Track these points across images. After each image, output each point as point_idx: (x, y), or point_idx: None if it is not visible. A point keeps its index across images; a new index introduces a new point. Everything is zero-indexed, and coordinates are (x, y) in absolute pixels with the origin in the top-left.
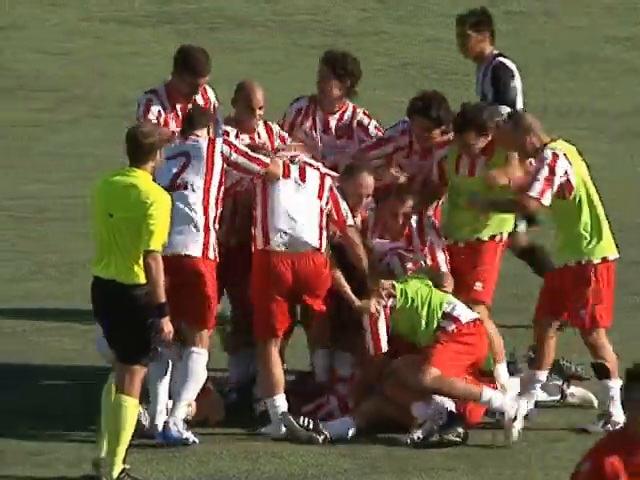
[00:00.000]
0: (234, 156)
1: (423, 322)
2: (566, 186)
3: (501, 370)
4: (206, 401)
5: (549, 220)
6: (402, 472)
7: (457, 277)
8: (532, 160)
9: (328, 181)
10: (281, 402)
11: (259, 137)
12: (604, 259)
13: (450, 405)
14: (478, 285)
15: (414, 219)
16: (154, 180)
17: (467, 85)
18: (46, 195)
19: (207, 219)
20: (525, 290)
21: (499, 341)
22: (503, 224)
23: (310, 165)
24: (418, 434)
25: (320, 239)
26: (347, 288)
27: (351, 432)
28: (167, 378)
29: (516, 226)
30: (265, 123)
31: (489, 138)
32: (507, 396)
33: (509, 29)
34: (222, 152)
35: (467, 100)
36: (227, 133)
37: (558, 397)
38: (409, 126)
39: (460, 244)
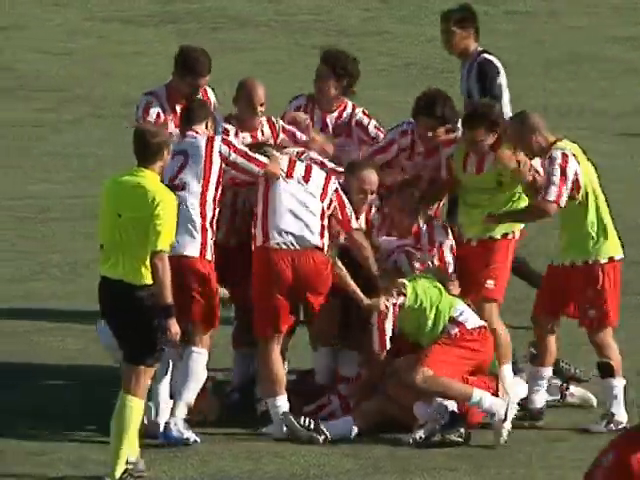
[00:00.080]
0: (233, 156)
1: (430, 323)
2: (575, 186)
3: (506, 371)
4: (203, 401)
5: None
6: (404, 472)
7: (469, 275)
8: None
9: (333, 184)
10: (282, 402)
11: (262, 134)
12: (611, 259)
13: (452, 405)
14: (490, 283)
15: (422, 217)
16: (161, 180)
17: None
18: (48, 195)
19: (204, 219)
20: (523, 293)
21: (507, 342)
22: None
23: (318, 163)
24: (420, 434)
25: (321, 238)
26: (355, 287)
27: (354, 432)
28: (168, 377)
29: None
30: (268, 119)
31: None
32: (506, 398)
33: (512, 29)
34: (220, 152)
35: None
36: (227, 131)
37: (558, 397)
38: (411, 127)
39: (473, 242)
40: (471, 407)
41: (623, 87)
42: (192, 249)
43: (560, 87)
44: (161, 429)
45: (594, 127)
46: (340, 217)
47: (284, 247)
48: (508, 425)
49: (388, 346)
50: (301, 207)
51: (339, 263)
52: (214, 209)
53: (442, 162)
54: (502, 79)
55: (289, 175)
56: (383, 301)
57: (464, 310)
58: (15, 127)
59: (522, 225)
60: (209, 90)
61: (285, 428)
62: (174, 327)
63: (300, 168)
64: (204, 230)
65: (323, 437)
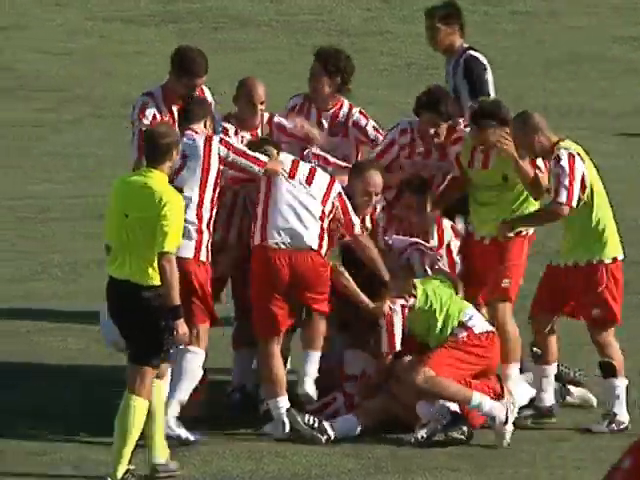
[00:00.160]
0: (232, 156)
1: (439, 326)
2: (582, 186)
3: (510, 370)
4: (194, 401)
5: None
6: (406, 472)
7: (483, 274)
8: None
9: (336, 188)
10: (283, 402)
11: (262, 133)
12: (614, 259)
13: (453, 406)
14: (505, 282)
15: (432, 218)
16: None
17: None
18: (48, 195)
19: (201, 221)
20: (525, 289)
21: (517, 342)
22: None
23: (321, 157)
24: (422, 433)
25: (320, 241)
26: (361, 294)
27: (357, 430)
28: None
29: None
30: (270, 118)
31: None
32: (507, 400)
33: (512, 29)
34: (219, 154)
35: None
36: (226, 131)
37: (560, 400)
38: (411, 125)
39: (486, 241)
40: (471, 410)
41: (623, 87)
42: (187, 251)
43: (560, 87)
44: None
45: (594, 127)
46: (344, 220)
47: (282, 246)
48: (510, 427)
49: (398, 348)
50: (301, 208)
51: (346, 274)
52: (211, 211)
53: (452, 160)
54: (488, 76)
55: (291, 176)
56: (388, 305)
57: (473, 315)
58: (15, 127)
59: None
60: (206, 90)
61: (287, 426)
62: (182, 328)
63: (304, 170)
64: (200, 232)
65: (326, 437)
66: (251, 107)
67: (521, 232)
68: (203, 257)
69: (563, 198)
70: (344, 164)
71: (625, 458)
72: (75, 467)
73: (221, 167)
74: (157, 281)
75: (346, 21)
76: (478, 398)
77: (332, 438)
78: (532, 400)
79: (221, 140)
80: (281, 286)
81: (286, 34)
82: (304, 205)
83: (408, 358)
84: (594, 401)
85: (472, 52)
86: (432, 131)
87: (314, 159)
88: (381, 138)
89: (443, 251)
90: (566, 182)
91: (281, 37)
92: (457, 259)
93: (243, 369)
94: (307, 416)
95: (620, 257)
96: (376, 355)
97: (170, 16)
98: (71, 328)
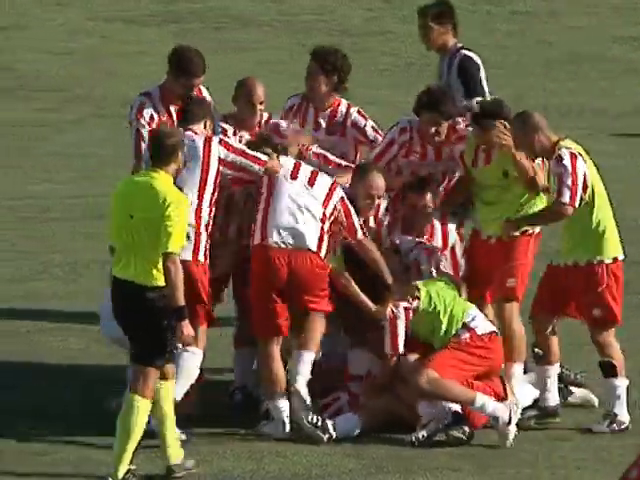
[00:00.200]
0: (231, 157)
1: (443, 327)
2: (583, 185)
3: (514, 369)
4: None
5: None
6: (407, 472)
7: (489, 273)
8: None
9: (339, 192)
10: (283, 402)
11: None
12: (615, 259)
13: (455, 406)
14: (511, 281)
15: (437, 218)
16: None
17: None
18: (50, 195)
19: (199, 222)
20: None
21: (523, 342)
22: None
23: (321, 156)
24: (423, 433)
25: (319, 242)
26: (363, 297)
27: (358, 429)
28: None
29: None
30: (269, 118)
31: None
32: (510, 401)
33: (513, 29)
34: (219, 156)
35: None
36: (225, 131)
37: (563, 400)
38: (410, 123)
39: (492, 240)
40: (473, 411)
41: (623, 87)
42: (185, 252)
43: (560, 87)
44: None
45: (594, 127)
46: (346, 225)
47: (282, 246)
48: (513, 428)
49: (401, 350)
50: (302, 209)
51: (346, 274)
52: (210, 212)
53: (456, 159)
54: (482, 75)
55: (293, 177)
56: (390, 307)
57: (476, 315)
58: (15, 127)
59: None
60: (204, 90)
61: (284, 425)
62: (187, 329)
63: (306, 171)
64: (198, 234)
65: (327, 436)
66: (250, 107)
67: (527, 231)
68: (201, 258)
69: (566, 198)
70: (344, 163)
71: (632, 469)
72: (75, 467)
73: (221, 168)
74: (161, 282)
75: (347, 21)
76: (481, 399)
77: (333, 437)
78: (535, 401)
79: (220, 141)
80: (279, 286)
81: (287, 34)
82: (305, 206)
83: (412, 359)
84: (596, 401)
85: (466, 52)
86: (433, 130)
87: (314, 158)
88: (380, 138)
89: (447, 253)
90: (569, 182)
91: (282, 37)
92: (461, 262)
93: (244, 369)
94: (310, 414)
95: (620, 257)
96: (381, 356)
97: (171, 16)
98: (71, 328)
